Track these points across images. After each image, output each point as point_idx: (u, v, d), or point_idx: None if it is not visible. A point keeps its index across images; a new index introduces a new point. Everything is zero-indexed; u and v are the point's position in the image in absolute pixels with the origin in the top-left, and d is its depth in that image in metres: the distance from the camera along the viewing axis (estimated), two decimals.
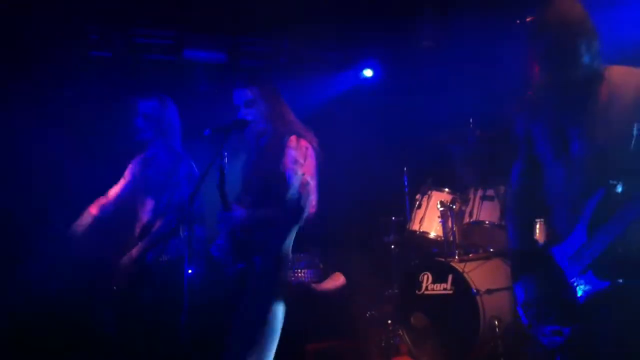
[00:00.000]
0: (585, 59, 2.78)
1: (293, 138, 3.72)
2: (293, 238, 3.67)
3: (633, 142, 2.70)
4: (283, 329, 3.64)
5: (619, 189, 2.66)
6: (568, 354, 2.80)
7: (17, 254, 5.18)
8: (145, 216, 4.60)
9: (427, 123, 6.45)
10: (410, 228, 5.96)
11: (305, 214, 3.55)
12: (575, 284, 2.76)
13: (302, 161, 3.62)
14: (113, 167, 4.94)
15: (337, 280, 3.98)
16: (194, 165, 4.55)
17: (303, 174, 3.60)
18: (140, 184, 4.69)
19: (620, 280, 2.64)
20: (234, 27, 6.52)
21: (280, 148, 3.70)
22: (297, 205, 3.47)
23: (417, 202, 5.99)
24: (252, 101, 3.87)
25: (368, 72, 7.47)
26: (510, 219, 3.23)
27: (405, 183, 6.38)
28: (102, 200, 4.70)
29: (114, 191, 4.74)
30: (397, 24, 6.87)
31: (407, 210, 6.23)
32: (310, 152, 3.74)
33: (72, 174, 5.30)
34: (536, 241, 3.10)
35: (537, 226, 5.29)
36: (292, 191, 3.50)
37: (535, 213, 3.15)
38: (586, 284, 2.72)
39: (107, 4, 5.65)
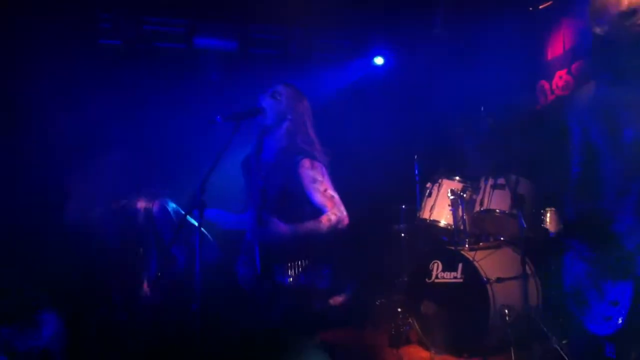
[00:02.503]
0: None
1: (307, 161, 3.73)
2: None
3: None
4: (292, 318, 3.67)
5: None
6: (621, 342, 2.75)
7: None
8: None
9: (438, 111, 6.44)
10: (421, 216, 5.95)
11: (341, 227, 3.62)
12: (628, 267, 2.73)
13: (320, 179, 3.69)
14: (123, 155, 4.95)
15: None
16: None
17: (326, 190, 3.66)
18: None
19: None
20: (245, 15, 6.51)
21: (293, 167, 3.71)
22: (335, 224, 3.57)
23: (428, 191, 5.98)
24: (279, 94, 3.87)
25: (379, 60, 7.44)
26: (568, 207, 3.28)
27: (416, 171, 6.36)
28: None
29: None
30: (409, 13, 6.84)
31: (417, 198, 6.22)
32: (325, 171, 3.76)
33: (81, 163, 5.31)
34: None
35: (548, 215, 5.31)
36: (326, 210, 3.58)
37: (591, 201, 3.16)
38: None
39: None
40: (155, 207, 4.76)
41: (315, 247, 3.70)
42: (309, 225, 3.60)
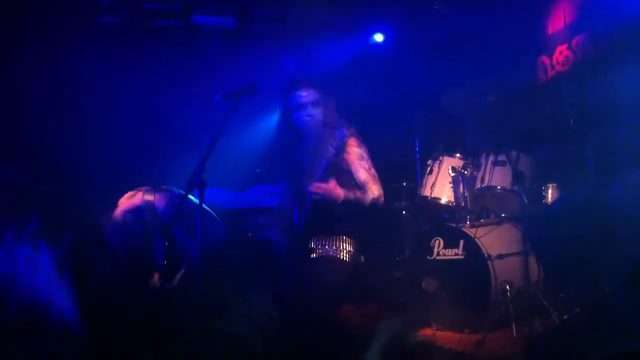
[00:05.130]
0: None
1: (354, 139, 4.12)
2: None
3: None
4: (294, 294, 3.76)
5: None
6: None
7: None
8: None
9: (439, 87, 6.41)
10: (422, 194, 5.93)
11: (379, 203, 4.05)
12: None
13: (367, 157, 4.10)
14: (123, 133, 4.94)
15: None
16: None
17: (370, 168, 4.06)
18: None
19: None
20: None
21: (339, 145, 3.91)
22: (377, 198, 3.98)
23: (429, 168, 5.95)
24: (318, 102, 4.23)
25: (379, 37, 7.39)
26: None
27: (417, 148, 6.35)
28: None
29: None
30: None
31: (418, 175, 6.20)
32: (366, 148, 4.16)
33: (79, 140, 5.30)
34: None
35: (549, 191, 5.31)
36: (369, 186, 3.98)
37: None
38: None
39: None
40: (158, 196, 4.74)
41: (346, 222, 4.05)
42: (358, 194, 3.97)
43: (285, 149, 4.39)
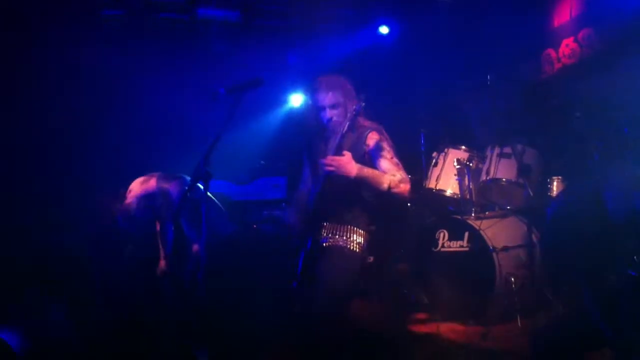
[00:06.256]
0: None
1: (375, 132, 4.08)
2: None
3: None
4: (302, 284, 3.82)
5: None
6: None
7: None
8: None
9: (444, 80, 6.41)
10: (427, 186, 5.94)
11: (402, 189, 3.88)
12: None
13: (389, 147, 4.03)
14: (126, 126, 4.95)
15: None
16: None
17: (393, 157, 3.98)
18: None
19: None
20: None
21: (361, 140, 4.04)
22: (396, 182, 3.84)
23: (434, 160, 5.95)
24: (337, 104, 4.14)
25: (384, 29, 7.38)
26: None
27: (422, 141, 6.34)
28: None
29: None
30: None
31: (423, 168, 6.20)
32: (390, 142, 4.10)
33: (84, 132, 5.31)
34: None
35: (554, 184, 5.31)
36: (391, 173, 3.87)
37: None
38: None
39: None
40: (173, 184, 4.76)
41: (358, 212, 4.04)
42: (376, 171, 3.88)
43: (310, 140, 4.37)
